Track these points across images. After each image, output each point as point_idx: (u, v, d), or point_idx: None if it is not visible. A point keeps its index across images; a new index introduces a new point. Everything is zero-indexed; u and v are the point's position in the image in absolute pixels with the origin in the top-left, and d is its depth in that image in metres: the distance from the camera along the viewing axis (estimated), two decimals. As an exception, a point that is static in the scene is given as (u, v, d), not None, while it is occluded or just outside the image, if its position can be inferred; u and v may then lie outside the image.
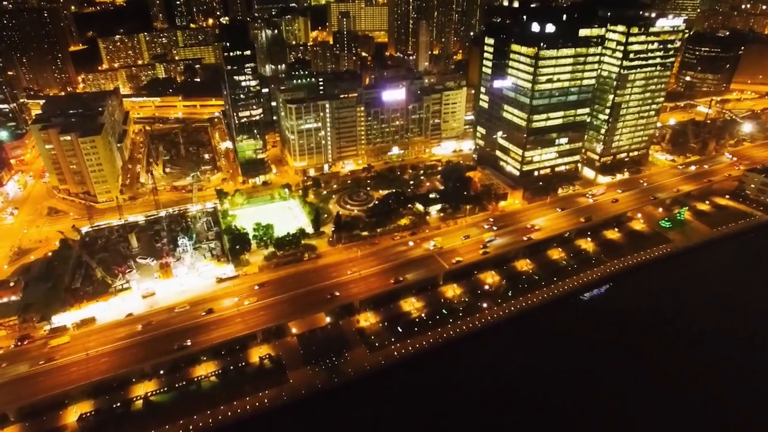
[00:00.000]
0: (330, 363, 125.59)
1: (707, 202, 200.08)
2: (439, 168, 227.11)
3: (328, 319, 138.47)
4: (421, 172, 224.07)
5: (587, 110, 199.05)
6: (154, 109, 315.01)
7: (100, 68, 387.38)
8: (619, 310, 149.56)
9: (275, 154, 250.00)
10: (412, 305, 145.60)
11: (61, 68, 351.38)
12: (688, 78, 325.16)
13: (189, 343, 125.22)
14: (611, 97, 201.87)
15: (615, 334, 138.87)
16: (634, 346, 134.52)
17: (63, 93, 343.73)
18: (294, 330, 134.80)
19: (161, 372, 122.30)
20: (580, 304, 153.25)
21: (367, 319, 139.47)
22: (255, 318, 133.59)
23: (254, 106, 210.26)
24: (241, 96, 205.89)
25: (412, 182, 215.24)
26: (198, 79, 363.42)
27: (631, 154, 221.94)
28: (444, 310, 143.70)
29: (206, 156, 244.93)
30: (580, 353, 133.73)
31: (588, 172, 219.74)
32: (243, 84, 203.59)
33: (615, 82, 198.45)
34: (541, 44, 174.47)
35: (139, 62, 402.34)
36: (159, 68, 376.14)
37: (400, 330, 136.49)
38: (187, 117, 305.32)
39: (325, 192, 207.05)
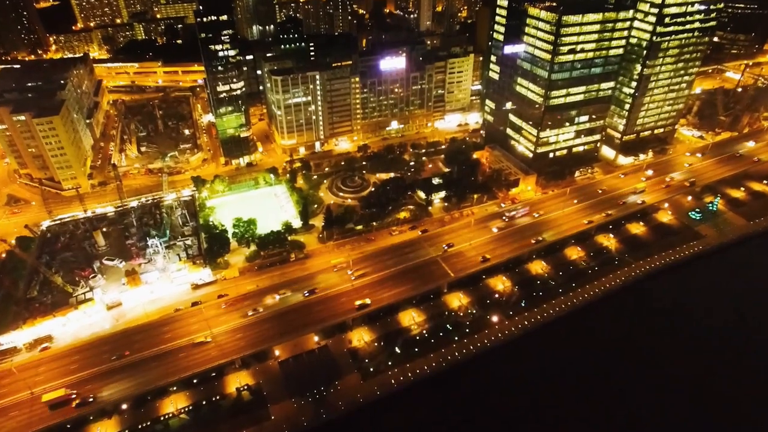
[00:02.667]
0: (318, 394, 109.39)
1: (742, 188, 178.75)
2: (443, 146, 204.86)
3: (316, 339, 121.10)
4: (423, 151, 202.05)
5: (612, 84, 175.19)
6: (132, 76, 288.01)
7: (74, 28, 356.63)
8: (639, 310, 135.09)
9: (262, 130, 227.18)
10: (412, 319, 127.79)
11: (28, 28, 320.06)
12: (715, 39, 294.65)
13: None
14: (639, 68, 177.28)
15: (633, 335, 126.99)
16: (650, 349, 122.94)
17: (33, 57, 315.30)
18: (277, 353, 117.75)
19: (123, 407, 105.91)
20: (596, 305, 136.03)
21: (360, 338, 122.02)
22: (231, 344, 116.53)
23: (234, 79, 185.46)
24: (219, 67, 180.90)
25: (412, 163, 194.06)
26: (180, 42, 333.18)
27: (656, 131, 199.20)
28: (448, 325, 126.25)
29: (186, 132, 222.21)
30: (592, 354, 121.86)
31: (608, 152, 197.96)
32: (220, 54, 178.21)
33: (645, 51, 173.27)
34: (564, 8, 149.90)
35: (117, 21, 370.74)
36: (138, 28, 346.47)
37: (398, 351, 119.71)
38: (167, 85, 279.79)
39: (315, 176, 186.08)
